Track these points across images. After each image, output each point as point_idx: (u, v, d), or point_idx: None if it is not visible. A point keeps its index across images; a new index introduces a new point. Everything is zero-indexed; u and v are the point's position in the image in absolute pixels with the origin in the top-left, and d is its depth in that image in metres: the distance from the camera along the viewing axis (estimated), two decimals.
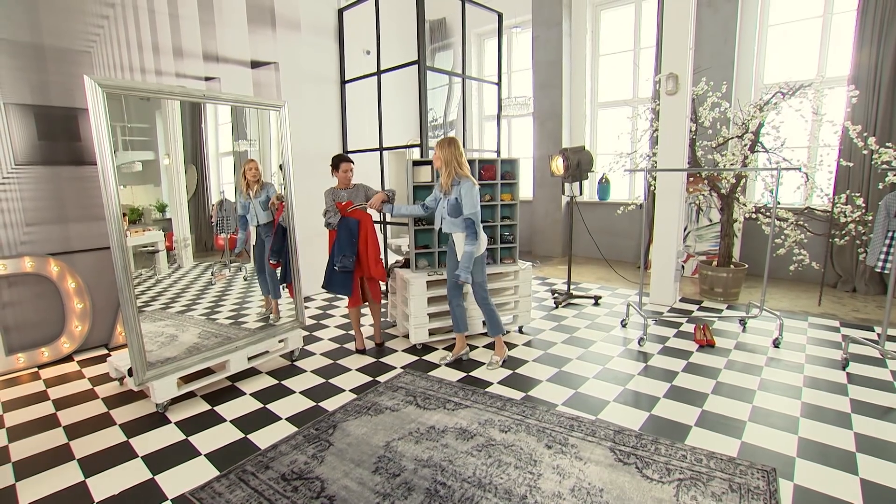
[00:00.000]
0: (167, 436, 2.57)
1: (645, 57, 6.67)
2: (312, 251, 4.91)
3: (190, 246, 3.61)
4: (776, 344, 3.63)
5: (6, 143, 3.42)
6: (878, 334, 3.62)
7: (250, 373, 3.36)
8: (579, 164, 4.72)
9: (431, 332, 3.82)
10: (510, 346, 3.75)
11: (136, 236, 3.35)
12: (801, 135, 5.31)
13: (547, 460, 2.25)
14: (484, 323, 3.86)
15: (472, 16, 5.49)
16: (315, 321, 4.53)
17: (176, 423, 2.70)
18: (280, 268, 3.61)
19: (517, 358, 3.53)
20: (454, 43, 7.95)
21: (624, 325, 4.17)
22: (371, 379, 3.24)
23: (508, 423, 2.58)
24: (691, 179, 5.66)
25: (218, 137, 3.64)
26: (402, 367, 3.41)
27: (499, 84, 5.40)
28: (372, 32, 5.03)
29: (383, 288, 4.62)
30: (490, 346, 3.75)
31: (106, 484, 2.18)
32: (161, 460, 2.35)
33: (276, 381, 3.23)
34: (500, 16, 5.36)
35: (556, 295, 5.01)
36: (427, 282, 3.66)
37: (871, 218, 4.43)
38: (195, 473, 2.24)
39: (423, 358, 3.58)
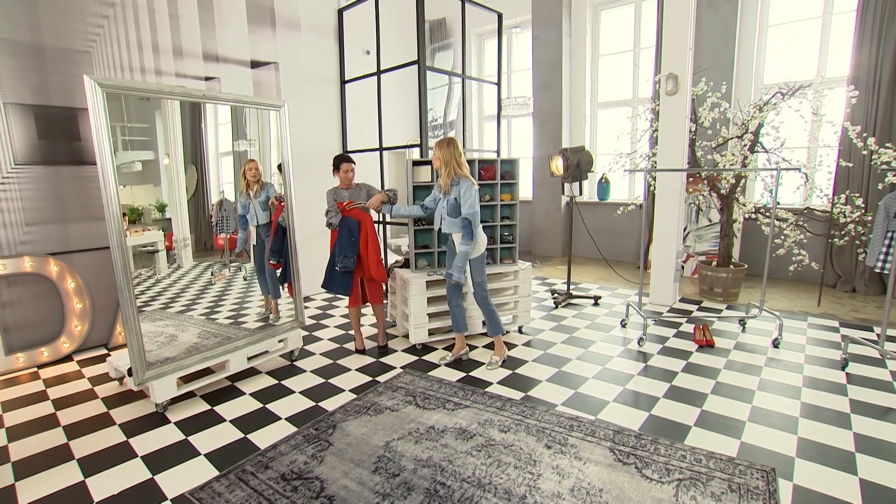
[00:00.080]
0: (167, 436, 2.57)
1: (645, 57, 6.67)
2: (312, 251, 4.91)
3: (190, 246, 3.61)
4: (776, 344, 3.64)
5: (6, 142, 3.42)
6: (878, 334, 3.63)
7: (250, 373, 3.36)
8: (579, 164, 4.72)
9: (431, 332, 3.82)
10: (510, 346, 3.75)
11: (135, 236, 3.35)
12: (801, 135, 5.32)
13: (546, 460, 2.25)
14: (484, 323, 3.86)
15: (472, 16, 5.49)
16: (315, 321, 4.53)
17: (175, 423, 2.70)
18: (280, 268, 3.61)
19: (517, 358, 3.53)
20: (454, 43, 7.96)
21: (623, 326, 4.18)
22: (371, 379, 3.24)
23: (508, 423, 2.58)
24: (691, 180, 5.66)
25: (218, 137, 3.64)
26: (401, 367, 3.41)
27: (499, 84, 5.40)
28: (372, 32, 5.03)
29: (384, 288, 4.62)
30: (490, 347, 3.75)
31: (105, 484, 2.18)
32: (161, 460, 2.35)
33: (276, 381, 3.23)
34: (499, 16, 5.36)
35: (555, 295, 5.01)
36: (427, 282, 3.67)
37: (870, 218, 4.43)
38: (195, 473, 2.24)
39: (423, 358, 3.59)
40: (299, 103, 5.21)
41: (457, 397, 2.90)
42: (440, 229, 3.27)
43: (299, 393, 3.06)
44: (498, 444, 2.39)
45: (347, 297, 3.61)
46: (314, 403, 2.91)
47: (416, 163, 3.83)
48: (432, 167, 3.81)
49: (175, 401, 2.94)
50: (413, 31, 4.53)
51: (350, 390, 3.07)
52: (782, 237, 4.76)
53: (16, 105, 3.44)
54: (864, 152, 4.49)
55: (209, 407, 2.89)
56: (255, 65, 4.86)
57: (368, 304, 3.68)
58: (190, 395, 3.03)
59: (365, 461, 2.27)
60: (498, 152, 5.34)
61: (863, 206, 4.55)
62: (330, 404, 2.89)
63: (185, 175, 3.56)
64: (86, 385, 3.23)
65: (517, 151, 8.22)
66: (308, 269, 4.33)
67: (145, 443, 2.51)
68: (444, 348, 3.75)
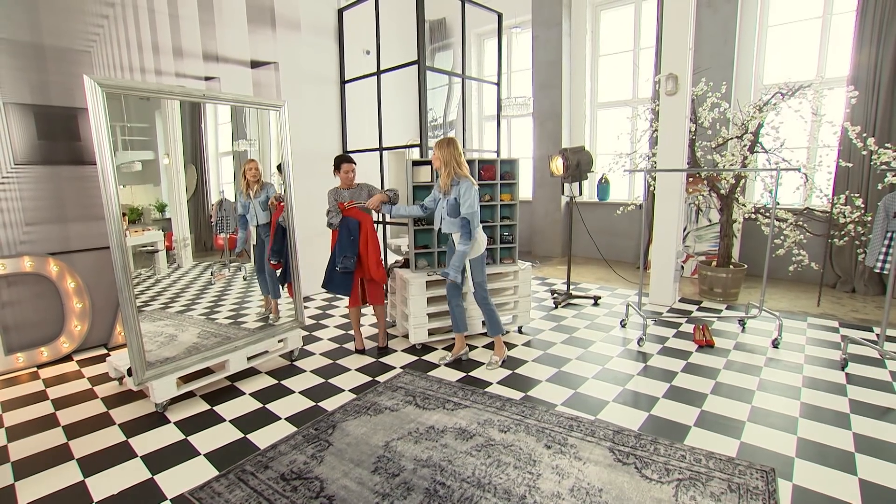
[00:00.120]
0: (166, 435, 2.57)
1: (645, 57, 6.68)
2: (312, 251, 4.91)
3: (189, 246, 3.61)
4: (775, 344, 3.64)
5: (6, 142, 3.41)
6: (877, 335, 3.63)
7: (250, 373, 3.36)
8: (579, 164, 4.72)
9: (431, 332, 3.83)
10: (509, 346, 3.75)
11: (135, 236, 3.35)
12: (801, 135, 5.32)
13: (546, 460, 2.25)
14: (483, 323, 3.86)
15: (472, 16, 5.49)
16: (314, 321, 4.53)
17: (175, 423, 2.70)
18: (280, 268, 3.61)
19: (516, 358, 3.53)
20: (454, 43, 7.96)
21: (623, 326, 4.18)
22: (370, 379, 3.24)
23: (508, 423, 2.58)
24: (691, 180, 5.66)
25: (218, 137, 3.64)
26: (401, 367, 3.41)
27: (498, 84, 5.40)
28: (372, 32, 5.03)
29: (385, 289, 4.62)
30: (489, 346, 3.75)
31: (105, 484, 2.18)
32: (160, 460, 2.35)
33: (276, 381, 3.23)
34: (499, 16, 5.36)
35: (555, 295, 5.01)
36: (426, 282, 3.67)
37: (870, 218, 4.43)
38: (194, 473, 2.24)
39: (423, 358, 3.59)
40: (299, 103, 5.21)
41: (456, 397, 2.90)
42: (440, 229, 3.27)
43: (299, 393, 3.06)
44: (498, 444, 2.39)
45: (347, 298, 3.61)
46: (314, 403, 2.91)
47: (415, 163, 3.83)
48: (432, 167, 3.82)
49: (175, 401, 2.94)
50: (413, 31, 4.53)
51: (350, 390, 3.07)
52: (782, 237, 4.76)
53: (16, 105, 3.44)
54: (864, 152, 4.49)
55: (209, 407, 2.89)
56: (254, 65, 4.86)
57: (369, 304, 3.68)
58: (190, 394, 3.03)
59: (365, 461, 2.27)
60: (498, 152, 5.34)
61: (862, 206, 4.55)
62: (330, 404, 2.89)
63: (184, 175, 3.57)
64: (85, 385, 3.23)
65: (517, 151, 8.22)
66: (308, 269, 4.33)
67: (145, 443, 2.51)
68: (443, 348, 3.75)
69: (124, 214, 2.90)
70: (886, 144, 4.42)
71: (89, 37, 3.74)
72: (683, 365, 3.35)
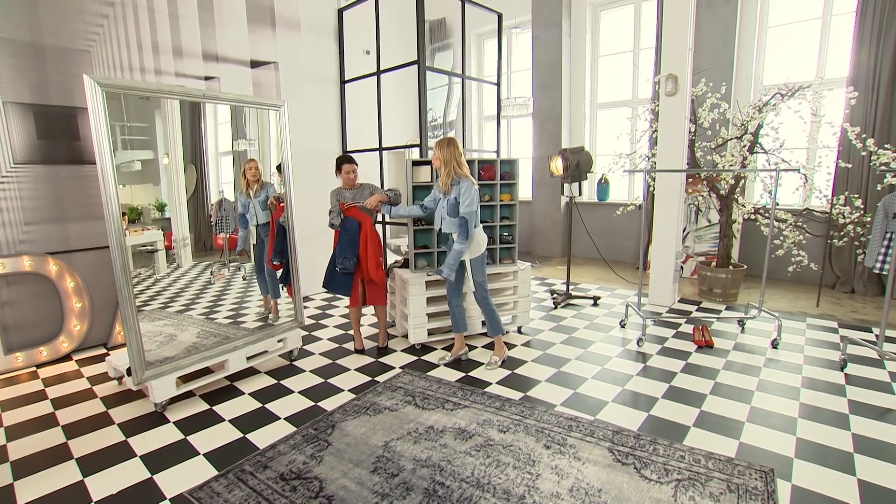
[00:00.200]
0: (166, 435, 2.57)
1: (644, 58, 6.68)
2: (312, 251, 4.91)
3: (189, 245, 3.61)
4: (774, 345, 3.64)
5: (5, 142, 3.41)
6: (877, 335, 3.63)
7: (249, 372, 3.36)
8: (578, 164, 4.72)
9: (430, 332, 3.83)
10: (509, 346, 3.75)
11: (135, 235, 3.35)
12: (800, 136, 5.32)
13: (545, 460, 2.25)
14: (483, 323, 3.86)
15: (472, 16, 5.49)
16: (314, 321, 4.53)
17: (174, 423, 2.70)
18: (282, 268, 3.60)
19: (516, 358, 3.53)
20: (454, 43, 7.96)
21: (623, 326, 4.18)
22: (370, 379, 3.24)
23: (507, 424, 2.58)
24: (690, 180, 5.67)
25: (217, 137, 3.64)
26: (400, 367, 3.41)
27: (498, 84, 5.40)
28: (372, 32, 5.03)
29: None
30: (489, 347, 3.75)
31: (104, 483, 2.18)
32: (159, 460, 2.35)
33: (275, 381, 3.23)
34: (499, 16, 5.36)
35: (555, 295, 5.01)
36: (426, 282, 3.67)
37: (869, 219, 4.44)
38: (194, 473, 2.24)
39: (422, 358, 3.59)
40: (299, 103, 5.21)
41: (456, 397, 2.90)
42: (440, 229, 3.27)
43: (298, 393, 3.06)
44: (497, 444, 2.39)
45: (348, 298, 3.61)
46: (313, 403, 2.91)
47: (415, 163, 3.83)
48: (432, 167, 3.82)
49: (174, 400, 2.94)
50: (413, 32, 4.53)
51: (349, 390, 3.07)
52: (781, 238, 4.76)
53: (15, 104, 3.44)
54: (864, 153, 4.49)
55: (208, 406, 2.89)
56: (254, 64, 4.86)
57: (369, 304, 3.68)
58: (189, 394, 3.03)
59: (364, 461, 2.27)
60: (497, 152, 5.34)
61: (862, 206, 4.56)
62: (329, 404, 2.89)
63: (184, 175, 3.57)
64: (85, 384, 3.23)
65: (517, 152, 8.23)
66: (307, 269, 4.33)
67: (144, 442, 2.50)
68: (443, 348, 3.75)
69: (124, 214, 2.90)
70: (886, 145, 4.43)
71: (89, 36, 3.74)
72: (683, 365, 3.35)
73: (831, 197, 4.76)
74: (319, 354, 3.70)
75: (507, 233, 4.11)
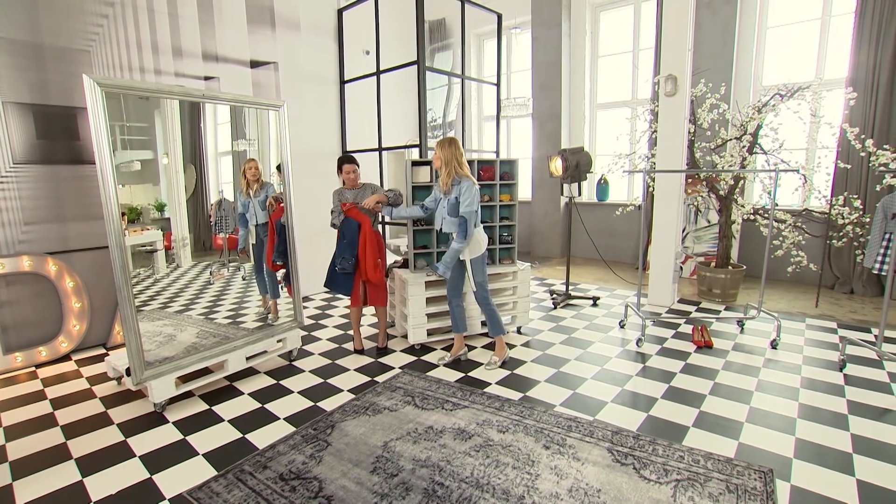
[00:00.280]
0: (165, 435, 2.57)
1: (644, 58, 6.68)
2: (312, 251, 4.92)
3: (188, 245, 3.61)
4: (774, 345, 3.64)
5: (5, 142, 3.41)
6: (876, 336, 3.63)
7: (248, 372, 3.36)
8: (578, 165, 4.73)
9: (430, 333, 3.83)
10: (508, 346, 3.75)
11: (134, 235, 3.35)
12: (800, 136, 5.33)
13: (545, 461, 2.25)
14: (483, 323, 3.86)
15: (472, 16, 5.50)
16: (313, 321, 4.53)
17: (174, 423, 2.69)
18: (284, 269, 3.60)
19: (515, 358, 3.53)
20: (454, 43, 7.96)
21: (622, 326, 4.18)
22: (369, 379, 3.24)
23: (506, 424, 2.59)
24: (690, 181, 5.67)
25: (217, 137, 3.64)
26: (400, 368, 3.41)
27: (498, 85, 5.40)
28: (371, 33, 5.04)
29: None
30: (488, 347, 3.76)
31: (103, 483, 2.18)
32: (159, 460, 2.35)
33: (275, 381, 3.23)
34: (499, 17, 5.37)
35: (554, 296, 5.01)
36: (426, 282, 3.67)
37: (868, 220, 4.44)
38: (193, 473, 2.24)
39: (422, 358, 3.59)
40: (299, 103, 5.22)
41: (455, 397, 2.90)
42: (441, 229, 3.28)
43: (298, 393, 3.06)
44: (496, 445, 2.39)
45: (349, 298, 3.61)
46: (313, 403, 2.91)
47: (415, 163, 3.83)
48: (431, 167, 3.82)
49: (173, 400, 2.94)
50: (413, 32, 4.53)
51: (348, 390, 3.07)
52: (781, 238, 4.77)
53: (15, 104, 3.44)
54: (863, 154, 4.50)
55: (207, 407, 2.89)
56: (254, 65, 4.86)
57: (370, 305, 3.68)
58: (188, 394, 3.03)
59: (363, 461, 2.27)
60: (497, 153, 5.35)
61: (861, 207, 4.56)
62: (328, 404, 2.89)
63: (184, 175, 3.56)
64: (84, 384, 3.23)
65: (516, 152, 8.23)
66: (307, 269, 4.34)
67: (143, 442, 2.50)
68: (442, 348, 3.75)
69: (123, 214, 2.90)
70: (885, 146, 4.43)
71: (89, 36, 3.74)
72: (682, 366, 3.35)
73: (830, 197, 4.76)
74: (319, 355, 3.70)
75: (506, 233, 4.11)
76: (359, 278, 3.53)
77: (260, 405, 2.90)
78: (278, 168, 3.52)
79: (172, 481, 2.18)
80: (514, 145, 8.37)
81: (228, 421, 2.71)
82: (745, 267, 5.09)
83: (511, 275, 4.01)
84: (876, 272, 3.33)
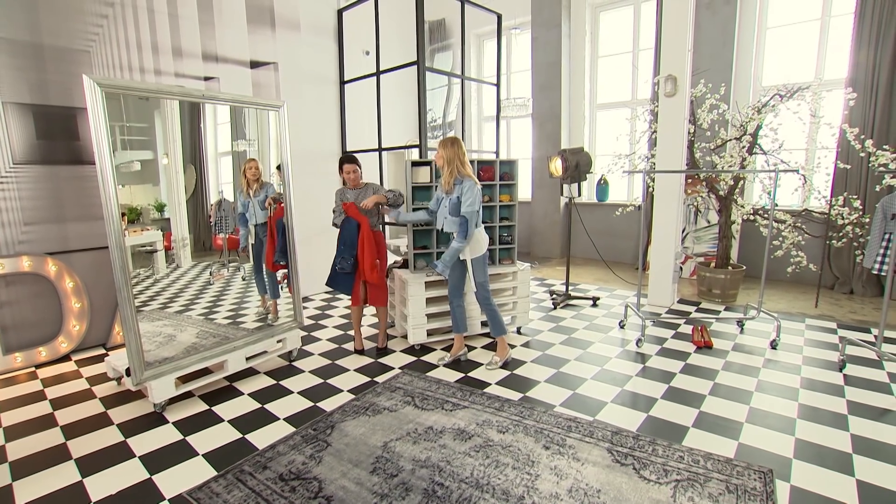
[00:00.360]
0: (165, 436, 2.57)
1: (644, 59, 6.69)
2: (311, 251, 4.92)
3: (188, 246, 3.61)
4: (773, 345, 3.64)
5: (4, 142, 3.41)
6: (875, 336, 3.63)
7: (248, 373, 3.36)
8: (578, 165, 4.73)
9: (430, 333, 3.83)
10: (509, 346, 3.74)
11: (134, 236, 3.35)
12: (799, 137, 5.33)
13: (545, 461, 2.25)
14: (483, 323, 3.86)
15: (472, 17, 5.50)
16: (313, 321, 4.53)
17: (174, 423, 2.69)
18: (285, 268, 3.60)
19: (515, 359, 3.53)
20: (453, 44, 7.96)
21: (622, 327, 4.18)
22: (369, 379, 3.24)
23: (506, 424, 2.59)
24: (689, 181, 5.67)
25: (217, 137, 3.64)
26: (400, 368, 3.41)
27: (498, 85, 5.41)
28: (371, 33, 5.04)
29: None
30: (488, 347, 3.76)
31: (103, 484, 2.18)
32: (158, 460, 2.35)
33: (275, 382, 3.23)
34: (499, 17, 5.37)
35: (554, 296, 5.01)
36: (425, 282, 3.67)
37: (868, 220, 4.45)
38: (193, 473, 2.24)
39: (422, 358, 3.59)
40: (299, 103, 5.22)
41: (455, 398, 2.90)
42: (442, 228, 3.28)
43: (297, 393, 3.06)
44: (496, 445, 2.39)
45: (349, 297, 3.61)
46: (312, 404, 2.91)
47: (415, 163, 3.83)
48: (431, 168, 3.82)
49: (173, 401, 2.93)
50: (412, 32, 4.53)
51: (348, 391, 3.07)
52: (780, 239, 4.77)
53: (14, 104, 3.44)
54: (862, 154, 4.50)
55: (207, 407, 2.89)
56: (254, 65, 4.86)
57: (370, 304, 3.68)
58: (188, 395, 3.03)
59: (363, 461, 2.27)
60: (497, 153, 5.35)
61: (861, 207, 4.56)
62: (328, 405, 2.89)
63: (183, 175, 3.56)
64: (84, 385, 3.23)
65: (516, 152, 8.23)
66: (307, 270, 4.33)
67: (143, 443, 2.50)
68: (442, 349, 3.75)
69: (123, 214, 2.90)
70: (884, 146, 4.44)
71: (88, 36, 3.74)
72: (682, 366, 3.36)
73: (830, 198, 4.77)
74: (319, 355, 3.70)
75: (506, 233, 4.11)
76: (359, 278, 3.53)
77: (260, 405, 2.90)
78: (278, 168, 3.52)
79: (172, 481, 2.18)
80: (513, 146, 8.37)
81: (228, 421, 2.71)
82: (744, 267, 5.09)
83: (511, 275, 4.01)
84: (875, 272, 3.33)
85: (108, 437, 2.57)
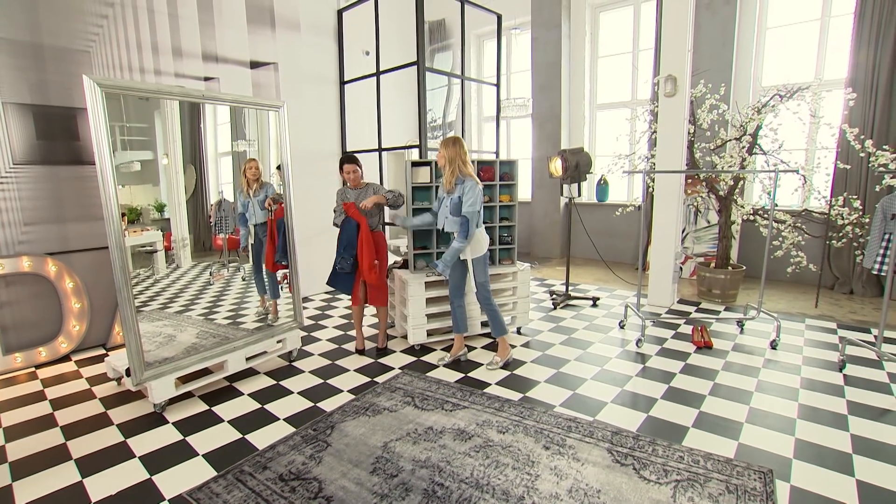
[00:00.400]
0: (165, 436, 2.57)
1: (644, 59, 6.69)
2: (311, 251, 4.92)
3: (188, 246, 3.61)
4: (773, 346, 3.64)
5: (4, 142, 3.41)
6: (875, 336, 3.64)
7: (248, 373, 3.36)
8: (578, 165, 4.73)
9: (430, 333, 3.83)
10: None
11: (134, 236, 3.35)
12: (799, 137, 5.33)
13: (544, 461, 2.25)
14: (483, 324, 3.86)
15: (472, 17, 5.50)
16: (313, 322, 4.53)
17: (173, 424, 2.69)
18: (287, 268, 3.60)
19: (515, 359, 3.53)
20: (453, 44, 7.97)
21: (622, 327, 4.18)
22: (369, 379, 3.24)
23: (506, 424, 2.59)
24: (689, 181, 5.67)
25: (217, 137, 3.64)
26: (400, 368, 3.41)
27: (498, 85, 5.41)
28: (371, 33, 5.04)
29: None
30: (488, 347, 3.76)
31: (103, 484, 2.18)
32: (158, 460, 2.35)
33: (274, 382, 3.23)
34: (499, 17, 5.37)
35: (554, 296, 5.01)
36: (425, 283, 3.67)
37: (868, 220, 4.45)
38: (193, 474, 2.24)
39: (422, 359, 3.59)
40: (299, 104, 5.22)
41: (455, 398, 2.90)
42: (442, 228, 3.28)
43: (298, 393, 3.06)
44: (496, 445, 2.39)
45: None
46: (312, 404, 2.91)
47: (415, 163, 3.83)
48: (431, 168, 3.82)
49: (173, 401, 2.93)
50: (412, 32, 4.53)
51: (348, 391, 3.07)
52: (780, 239, 4.77)
53: (14, 104, 3.44)
54: (862, 154, 4.50)
55: (207, 407, 2.89)
56: (254, 65, 4.86)
57: (369, 304, 3.68)
58: (188, 395, 3.03)
59: (363, 462, 2.27)
60: (497, 153, 5.35)
61: (860, 207, 4.56)
62: (328, 405, 2.89)
63: (183, 175, 3.56)
64: (84, 385, 3.23)
65: (516, 152, 8.23)
66: (307, 270, 4.33)
67: (143, 443, 2.50)
68: (442, 349, 3.75)
69: (123, 214, 2.90)
70: (884, 146, 4.44)
71: (88, 37, 3.74)
72: (682, 366, 3.36)
73: (830, 198, 4.77)
74: (319, 355, 3.70)
75: (506, 233, 4.11)
76: (359, 278, 3.53)
77: (260, 406, 2.90)
78: (278, 168, 3.53)
79: (172, 482, 2.18)
80: (513, 146, 8.37)
81: (228, 421, 2.71)
82: (744, 267, 5.09)
83: (511, 275, 4.01)
84: (875, 272, 3.33)
85: (108, 437, 2.57)
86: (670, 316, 4.49)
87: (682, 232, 5.89)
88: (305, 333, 4.16)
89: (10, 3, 3.37)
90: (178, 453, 2.41)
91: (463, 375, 3.27)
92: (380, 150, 5.16)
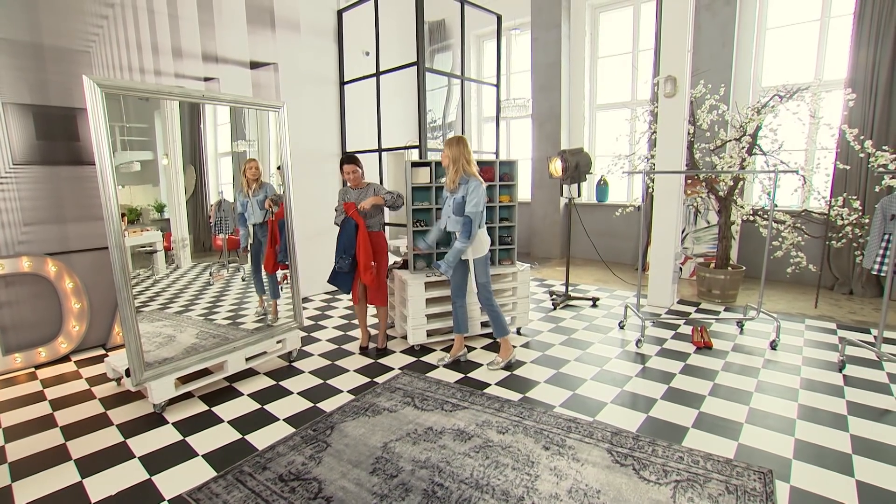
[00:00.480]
0: (164, 436, 2.57)
1: (643, 59, 6.69)
2: (311, 251, 4.92)
3: (188, 246, 3.61)
4: (773, 346, 3.64)
5: (4, 142, 3.41)
6: (875, 336, 3.64)
7: (248, 373, 3.36)
8: (578, 165, 4.73)
9: (430, 334, 3.83)
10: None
11: (134, 236, 3.34)
12: (799, 137, 5.33)
13: (544, 461, 2.25)
14: (483, 324, 3.86)
15: (472, 17, 5.50)
16: (313, 322, 4.53)
17: (173, 424, 2.69)
18: (287, 268, 3.60)
19: (515, 359, 3.52)
20: (453, 44, 7.97)
21: (622, 327, 4.18)
22: (369, 380, 3.24)
23: (506, 425, 2.59)
24: (689, 181, 5.68)
25: (217, 138, 3.64)
26: (400, 369, 3.41)
27: (497, 86, 5.41)
28: (371, 34, 5.04)
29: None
30: (488, 348, 3.76)
31: (103, 484, 2.18)
32: (158, 461, 2.35)
33: (274, 382, 3.23)
34: (499, 18, 5.37)
35: (554, 296, 5.02)
36: (425, 283, 3.67)
37: (867, 221, 4.45)
38: (192, 474, 2.24)
39: (422, 359, 3.59)
40: (298, 104, 5.22)
41: (455, 398, 2.90)
42: (445, 228, 3.28)
43: (297, 394, 3.06)
44: (496, 446, 2.39)
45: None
46: (312, 404, 2.91)
47: (415, 164, 3.83)
48: (431, 168, 3.83)
49: (173, 401, 2.93)
50: (412, 33, 4.54)
51: (348, 391, 3.07)
52: (780, 239, 4.77)
53: (14, 105, 3.44)
54: (862, 155, 4.51)
55: (207, 408, 2.88)
56: (254, 65, 4.86)
57: (369, 304, 3.69)
58: (188, 395, 3.03)
59: (363, 462, 2.27)
60: (497, 154, 5.35)
61: (860, 208, 4.57)
62: (328, 405, 2.89)
63: (183, 175, 3.56)
64: (83, 385, 3.23)
65: (516, 153, 8.23)
66: (307, 270, 4.33)
67: (143, 443, 2.50)
68: (442, 349, 3.75)
69: (123, 215, 2.89)
70: (884, 147, 4.44)
71: (88, 37, 3.74)
72: (682, 366, 3.36)
73: (830, 198, 4.77)
74: (318, 355, 3.70)
75: (506, 234, 4.12)
76: (358, 277, 3.53)
77: (259, 406, 2.90)
78: (278, 169, 3.53)
79: (172, 482, 2.18)
80: (513, 146, 8.37)
81: (228, 422, 2.71)
82: (744, 268, 5.09)
83: (511, 275, 4.01)
84: (875, 273, 3.33)
85: (107, 437, 2.57)
86: (670, 316, 4.49)
87: (682, 232, 5.90)
88: (305, 334, 4.16)
89: (10, 3, 3.37)
90: (177, 454, 2.41)
91: (463, 376, 3.27)
92: (380, 150, 5.17)
